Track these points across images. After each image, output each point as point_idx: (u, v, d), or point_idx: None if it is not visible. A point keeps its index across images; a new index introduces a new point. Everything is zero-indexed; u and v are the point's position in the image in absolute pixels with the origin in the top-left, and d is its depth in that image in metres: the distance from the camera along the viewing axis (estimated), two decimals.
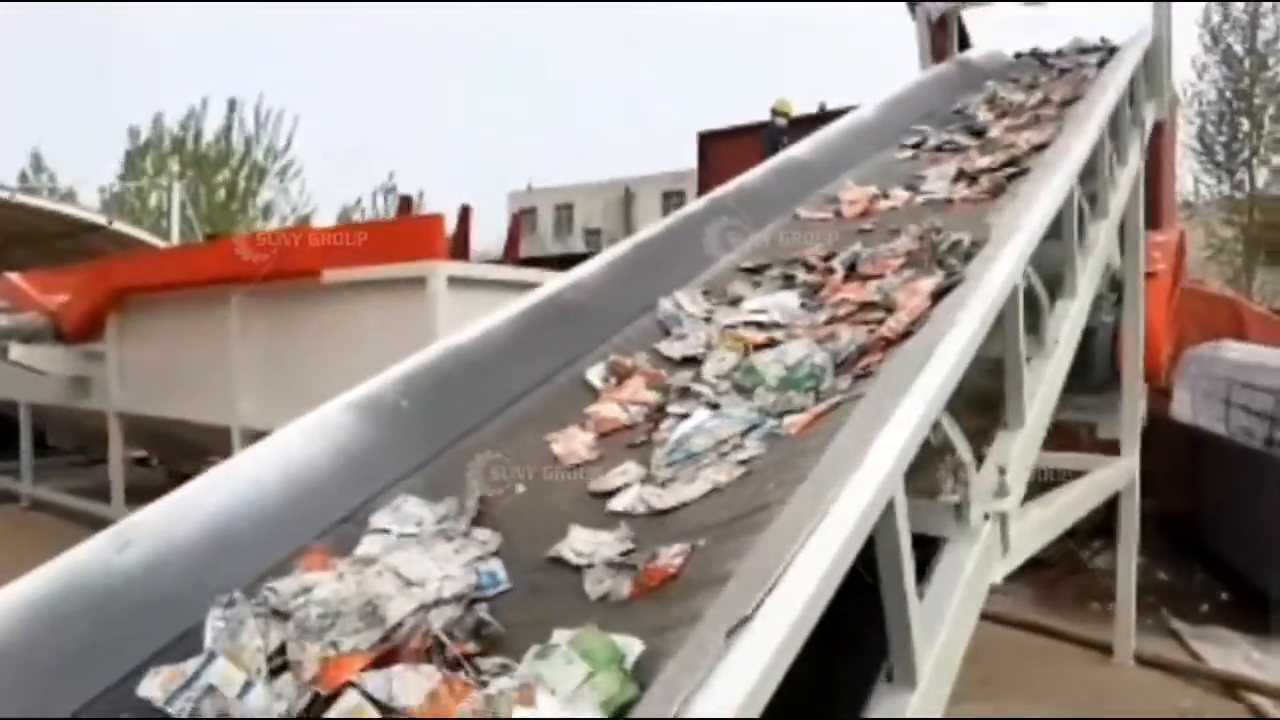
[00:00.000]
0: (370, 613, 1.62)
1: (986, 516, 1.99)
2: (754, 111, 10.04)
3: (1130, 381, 5.25)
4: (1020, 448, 2.26)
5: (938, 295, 2.45)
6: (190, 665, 1.56)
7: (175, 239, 15.06)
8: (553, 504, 2.09)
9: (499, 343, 2.67)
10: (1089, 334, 4.23)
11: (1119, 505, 4.98)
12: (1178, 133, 13.53)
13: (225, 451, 6.57)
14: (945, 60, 6.26)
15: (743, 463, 2.02)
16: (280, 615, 1.66)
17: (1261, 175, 22.56)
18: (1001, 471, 2.06)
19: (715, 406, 2.31)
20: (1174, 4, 5.49)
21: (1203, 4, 21.98)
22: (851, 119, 4.92)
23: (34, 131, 30.42)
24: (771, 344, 2.55)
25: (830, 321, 2.65)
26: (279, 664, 1.57)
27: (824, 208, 3.84)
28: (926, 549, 1.94)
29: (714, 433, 2.16)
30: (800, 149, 4.45)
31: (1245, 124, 22.50)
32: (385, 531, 1.99)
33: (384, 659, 1.50)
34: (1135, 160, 4.69)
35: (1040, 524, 2.67)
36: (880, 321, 2.47)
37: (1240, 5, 22.29)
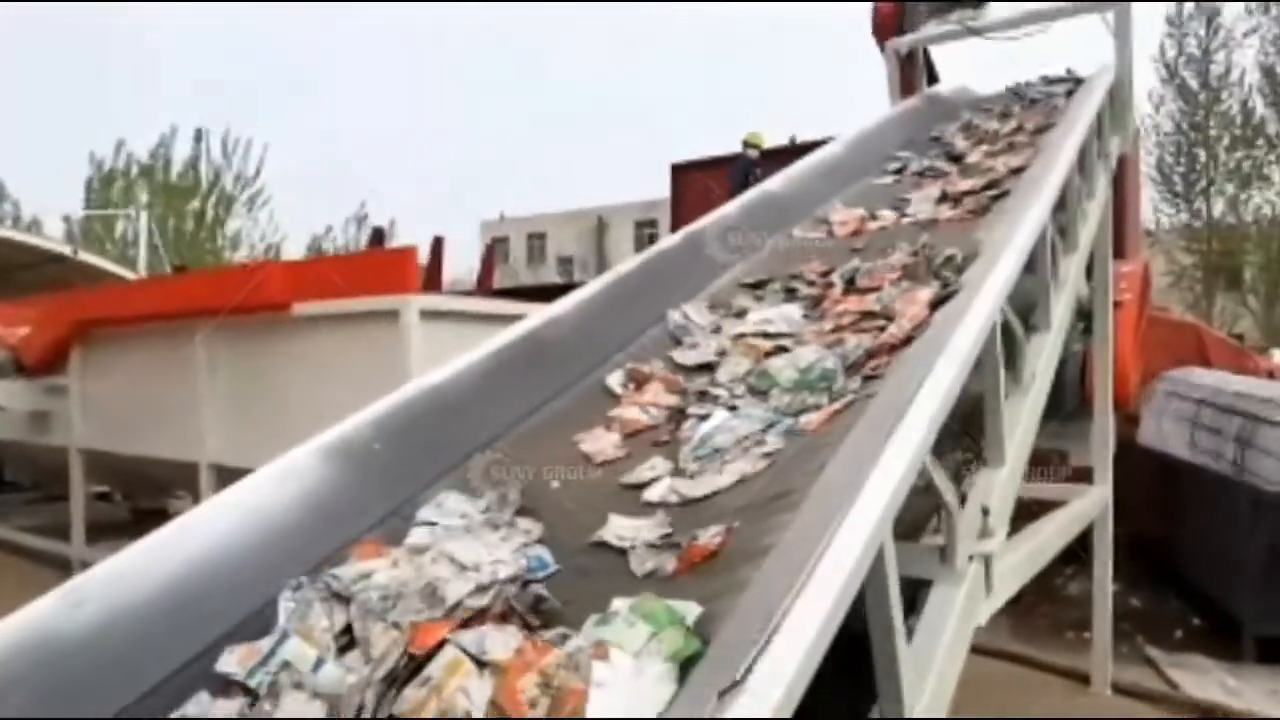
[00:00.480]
0: (430, 594, 1.70)
1: (971, 558, 1.97)
2: (729, 140, 10.15)
3: (1101, 410, 5.31)
4: (1002, 486, 2.25)
5: (936, 304, 2.56)
6: (265, 643, 1.69)
7: (143, 269, 14.85)
8: (588, 497, 2.17)
9: (473, 381, 2.62)
10: (1060, 363, 4.29)
11: (1093, 533, 5.01)
12: (1138, 163, 13.85)
13: (192, 487, 6.44)
14: (914, 95, 6.36)
15: (766, 455, 2.12)
16: (342, 599, 1.75)
17: (1218, 204, 23.18)
18: (985, 512, 2.05)
19: (733, 408, 2.40)
20: (1134, 39, 5.65)
21: (1159, 38, 22.67)
22: (823, 154, 4.96)
23: None
24: (781, 351, 2.65)
25: (835, 330, 2.75)
26: (345, 642, 1.68)
27: (816, 228, 3.96)
28: (909, 589, 1.92)
29: (735, 430, 2.25)
30: (773, 183, 4.47)
31: (1201, 155, 23.14)
32: (432, 524, 2.07)
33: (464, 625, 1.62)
34: (1103, 193, 4.76)
35: (1021, 562, 2.66)
36: (882, 329, 2.56)
37: (1194, 40, 23.02)
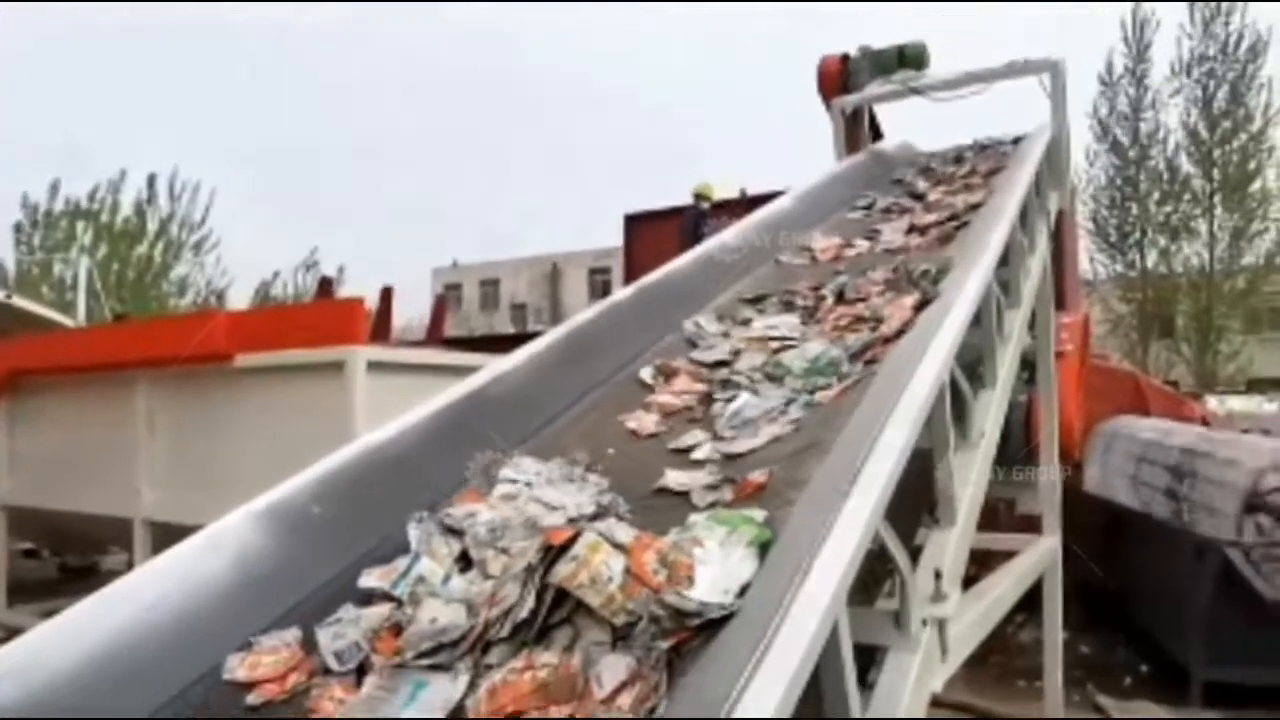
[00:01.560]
0: (530, 525, 2.09)
1: (925, 622, 1.95)
2: (678, 191, 10.27)
3: (1047, 459, 5.38)
4: (954, 546, 2.25)
5: (918, 307, 2.99)
6: (400, 563, 2.07)
7: (82, 316, 14.41)
8: (643, 457, 2.48)
9: (418, 440, 2.56)
10: (1006, 413, 4.36)
11: (1043, 582, 5.04)
12: (1075, 218, 14.35)
13: (125, 544, 6.18)
14: (859, 151, 6.52)
15: (792, 422, 2.50)
16: (454, 532, 2.16)
17: (1151, 255, 24.08)
18: (938, 575, 2.04)
19: (755, 391, 2.75)
20: (1068, 100, 5.88)
21: (1091, 96, 23.70)
22: (772, 209, 5.03)
23: None
24: (789, 348, 3.03)
25: (834, 329, 3.15)
26: (462, 566, 2.06)
27: (801, 255, 4.32)
28: (862, 654, 1.89)
29: (761, 405, 2.63)
30: (725, 237, 4.51)
31: (1134, 208, 24.09)
32: (514, 480, 2.38)
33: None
34: (1043, 247, 4.89)
35: (975, 622, 2.65)
36: (874, 329, 2.97)
37: (1124, 99, 24.13)
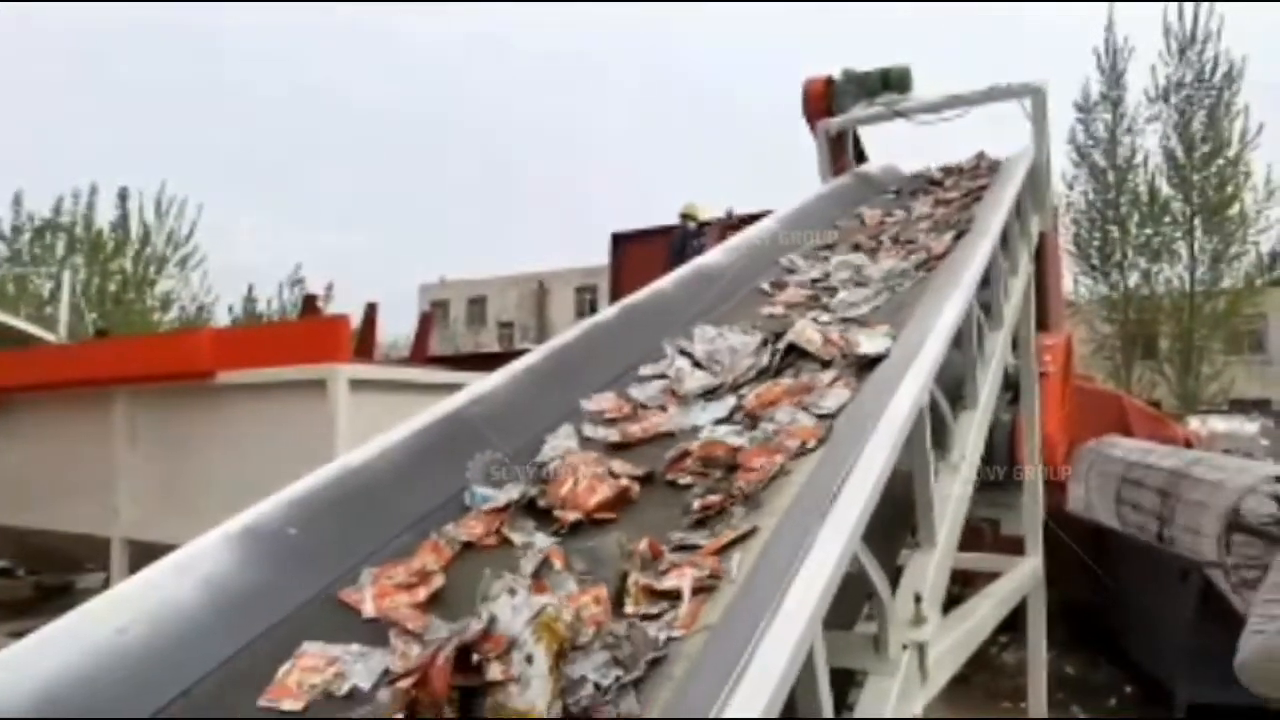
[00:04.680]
0: (733, 351, 3.18)
1: (905, 647, 1.94)
2: (665, 213, 10.32)
3: (1030, 480, 5.40)
4: (934, 570, 2.24)
5: (957, 238, 4.15)
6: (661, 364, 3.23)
7: (63, 331, 14.27)
8: (785, 324, 3.25)
9: (397, 462, 2.53)
10: (988, 433, 4.38)
11: (1027, 604, 5.04)
12: (1059, 240, 14.50)
13: (102, 563, 6.09)
14: (844, 173, 6.56)
15: (890, 291, 3.67)
16: (686, 354, 3.28)
17: (1133, 277, 24.34)
18: (918, 599, 2.03)
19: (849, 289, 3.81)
20: (1049, 124, 5.95)
21: (1068, 122, 24.04)
22: (758, 229, 5.05)
23: None
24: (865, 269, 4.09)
25: (896, 256, 4.22)
26: None
27: (854, 220, 5.24)
28: (840, 679, 1.88)
29: (859, 293, 3.74)
30: (710, 257, 4.52)
31: (1115, 230, 24.36)
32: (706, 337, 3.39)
33: None
34: (1025, 269, 4.93)
35: (956, 645, 2.64)
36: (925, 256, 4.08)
37: (1101, 125, 24.48)
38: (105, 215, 22.58)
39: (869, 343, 2.89)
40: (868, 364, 2.77)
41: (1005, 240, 4.41)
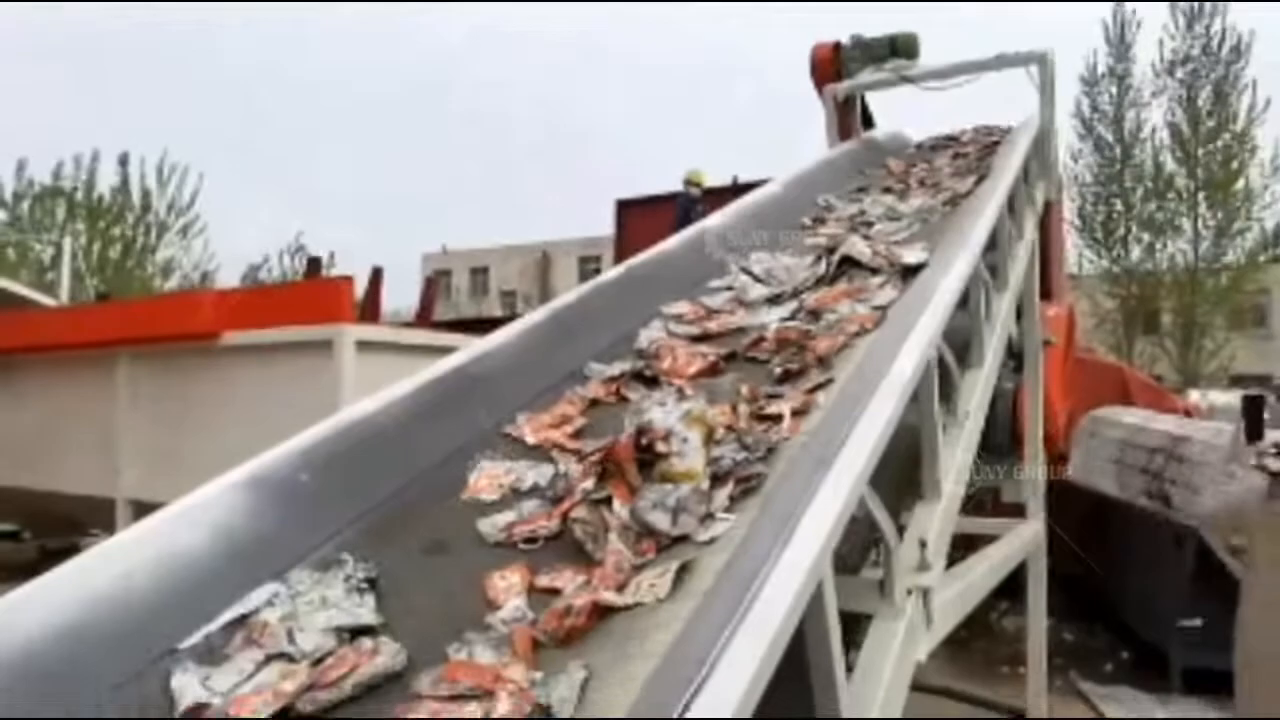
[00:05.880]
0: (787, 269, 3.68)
1: (910, 591, 1.96)
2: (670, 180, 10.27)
3: (1032, 447, 5.42)
4: (939, 520, 2.26)
5: (977, 182, 4.51)
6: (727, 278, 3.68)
7: (65, 296, 14.25)
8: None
9: (403, 414, 2.54)
10: (991, 402, 4.41)
11: (1027, 568, 5.08)
12: (1063, 211, 14.42)
13: (108, 525, 6.13)
14: (851, 138, 6.52)
15: (922, 223, 4.07)
16: (748, 272, 3.71)
17: (1136, 251, 24.25)
18: (923, 545, 2.05)
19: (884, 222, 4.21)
20: (1055, 91, 5.91)
21: (1074, 95, 23.83)
22: (762, 193, 5.03)
23: None
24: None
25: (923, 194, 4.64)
26: None
27: (882, 169, 5.55)
28: (845, 624, 1.90)
29: (894, 225, 4.12)
30: (714, 220, 4.50)
31: (1119, 205, 24.24)
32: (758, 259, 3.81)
33: None
34: (1030, 235, 4.92)
35: (959, 596, 2.66)
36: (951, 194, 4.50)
37: (1106, 98, 24.28)
38: (106, 181, 22.50)
39: (910, 254, 3.43)
40: (910, 271, 3.28)
41: (1011, 206, 4.40)
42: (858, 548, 1.96)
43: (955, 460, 2.59)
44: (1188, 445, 6.11)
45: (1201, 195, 23.46)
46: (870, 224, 4.20)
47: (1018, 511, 5.29)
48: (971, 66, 6.24)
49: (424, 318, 9.06)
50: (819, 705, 1.50)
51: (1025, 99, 5.93)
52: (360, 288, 7.32)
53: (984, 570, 3.31)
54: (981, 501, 5.67)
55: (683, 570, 1.70)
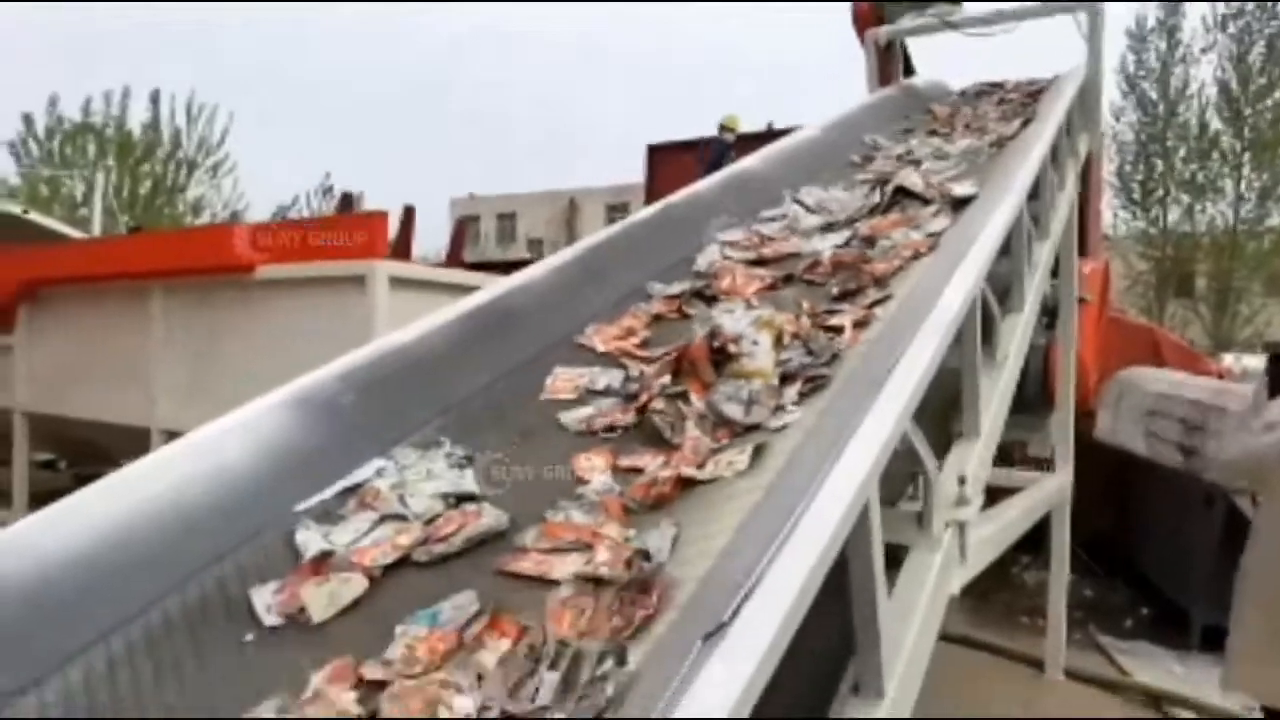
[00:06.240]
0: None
1: (947, 525, 1.97)
2: (698, 127, 10.13)
3: (1063, 400, 5.39)
4: (977, 457, 2.26)
5: (1024, 124, 4.59)
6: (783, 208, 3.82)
7: (97, 231, 14.38)
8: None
9: (441, 343, 2.56)
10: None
11: (1050, 521, 5.09)
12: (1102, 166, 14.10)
13: (142, 455, 6.24)
14: (891, 85, 6.39)
15: (969, 163, 4.14)
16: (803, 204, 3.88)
17: (1174, 213, 23.72)
18: (961, 480, 2.05)
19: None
20: (1104, 41, 5.75)
21: (1119, 48, 23.12)
22: (799, 136, 4.96)
23: None
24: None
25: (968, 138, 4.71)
26: None
27: (927, 114, 5.60)
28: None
29: (942, 164, 4.19)
30: (751, 160, 4.45)
31: (1159, 164, 23.65)
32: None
33: None
34: (1071, 186, 4.83)
35: (991, 536, 2.68)
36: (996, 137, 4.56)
37: (1154, 54, 23.52)
38: (137, 118, 22.53)
39: (961, 187, 3.60)
40: (961, 203, 3.43)
41: (1054, 154, 4.32)
42: (897, 480, 1.96)
43: (994, 401, 2.58)
44: (1220, 407, 6.04)
45: (1247, 156, 22.80)
46: (918, 163, 4.24)
47: (1042, 466, 5.28)
48: (1019, 12, 6.07)
49: (454, 258, 9.06)
50: (858, 631, 1.52)
51: (1060, 59, 5.85)
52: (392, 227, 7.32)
53: (1012, 517, 3.32)
54: (1007, 453, 5.65)
55: (758, 451, 1.86)
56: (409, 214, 7.76)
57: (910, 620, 1.72)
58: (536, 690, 1.32)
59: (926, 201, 3.49)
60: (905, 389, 1.65)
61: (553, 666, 1.34)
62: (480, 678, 1.38)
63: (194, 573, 1.77)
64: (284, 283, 5.05)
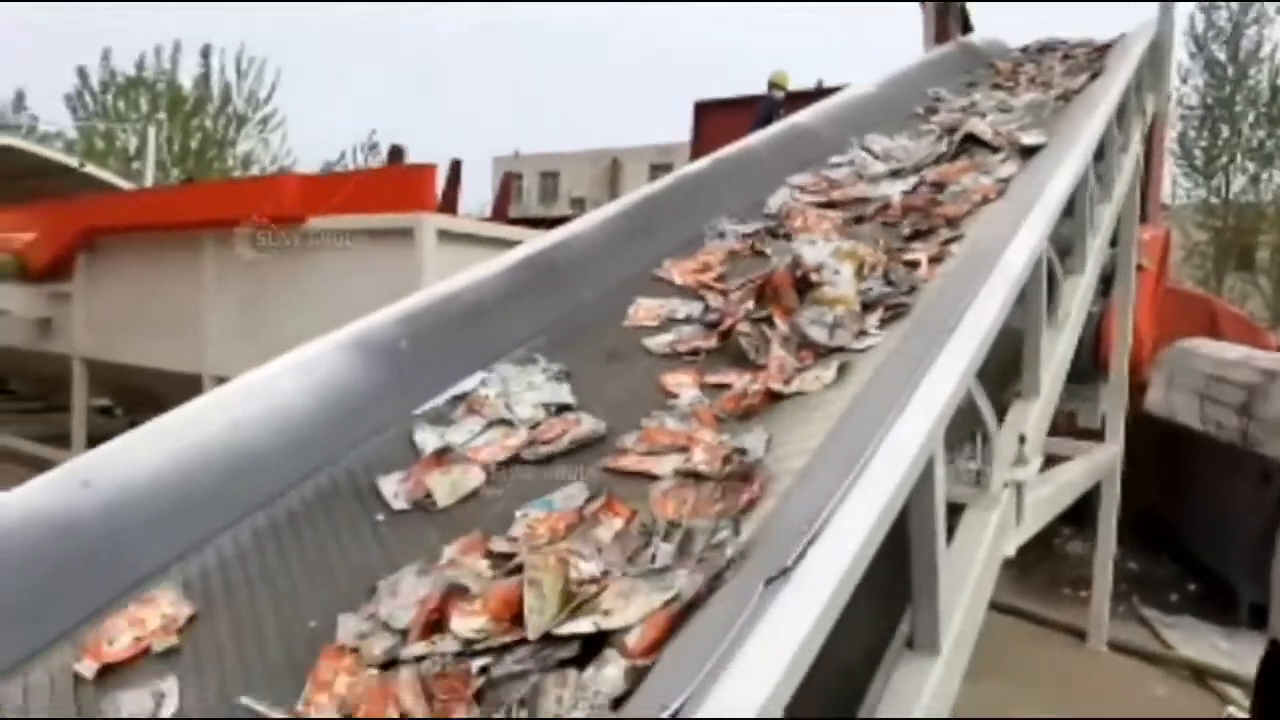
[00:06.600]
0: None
1: (1005, 484, 1.94)
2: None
3: (1117, 370, 5.26)
4: (1037, 416, 2.22)
5: (1091, 78, 4.60)
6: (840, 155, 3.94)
7: (149, 183, 14.61)
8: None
9: (494, 292, 2.56)
10: None
11: (1100, 491, 5.00)
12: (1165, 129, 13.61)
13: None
14: (948, 43, 6.22)
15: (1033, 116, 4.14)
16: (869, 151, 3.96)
17: (1238, 181, 22.84)
18: (1021, 439, 2.02)
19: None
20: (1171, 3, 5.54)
21: (1188, 8, 22.15)
22: (853, 92, 4.85)
23: (22, 71, 29.07)
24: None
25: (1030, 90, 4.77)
26: None
27: (989, 69, 5.60)
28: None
29: (1007, 114, 4.22)
30: (803, 116, 4.36)
31: (1225, 130, 22.73)
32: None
33: None
34: (1135, 147, 4.67)
35: (1046, 498, 2.64)
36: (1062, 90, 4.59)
37: (1224, 14, 22.49)
38: (188, 73, 22.73)
39: (1029, 136, 3.62)
40: (1029, 151, 3.45)
41: (1121, 112, 4.17)
42: (955, 438, 1.92)
43: (1054, 361, 2.52)
44: None
45: None
46: (983, 115, 4.21)
47: (1090, 437, 5.17)
48: None
49: (500, 212, 9.07)
50: (916, 586, 1.50)
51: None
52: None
53: (1067, 479, 3.29)
54: (1056, 427, 5.55)
55: (843, 369, 1.98)
56: (456, 168, 7.77)
57: (966, 579, 1.70)
58: (653, 557, 1.44)
59: (994, 149, 3.54)
60: (971, 344, 1.61)
61: (666, 539, 1.47)
62: (599, 551, 1.50)
63: (320, 466, 1.92)
64: (334, 234, 5.10)
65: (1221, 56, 22.64)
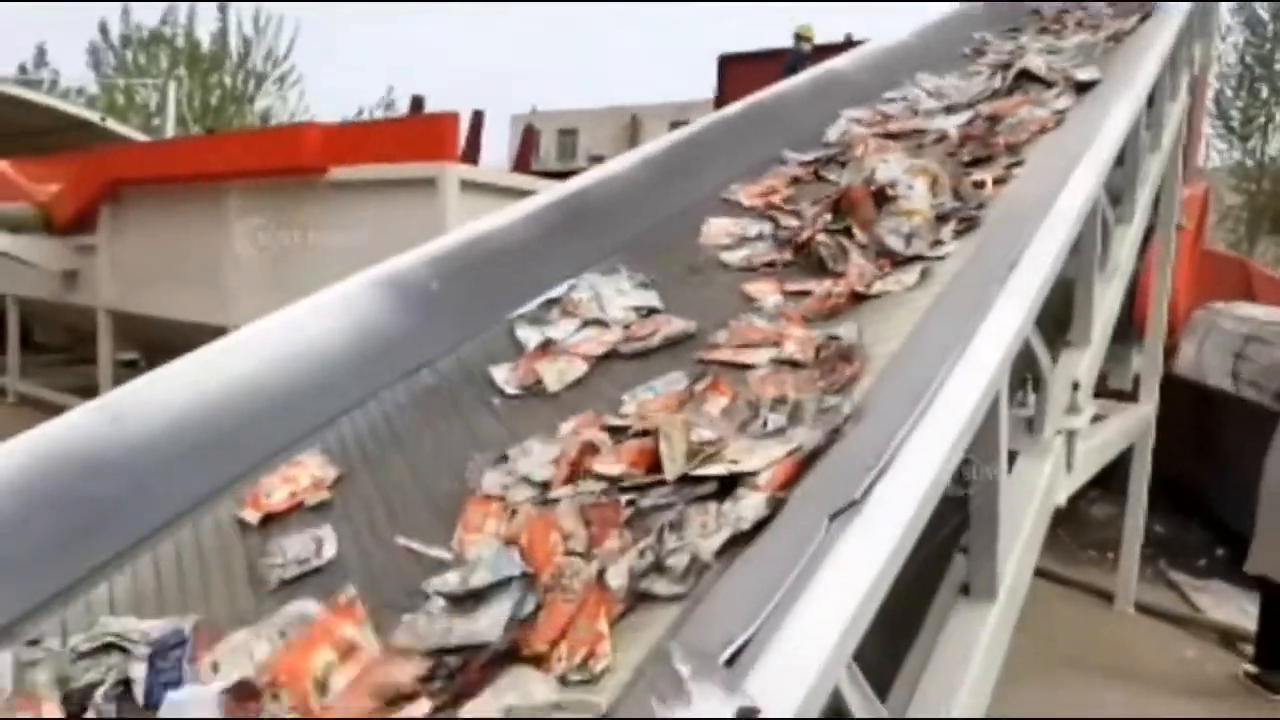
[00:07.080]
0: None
1: (1058, 433, 1.88)
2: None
3: (1153, 330, 5.15)
4: (1088, 364, 2.15)
5: (1142, 19, 4.53)
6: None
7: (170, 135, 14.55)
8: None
9: (526, 234, 2.51)
10: None
11: (1131, 452, 4.91)
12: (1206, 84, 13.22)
13: None
14: None
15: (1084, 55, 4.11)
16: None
17: (1275, 143, 22.26)
18: (1075, 387, 1.95)
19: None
20: None
21: None
22: (891, 40, 4.72)
23: (44, 27, 28.97)
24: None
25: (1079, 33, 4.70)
26: None
27: (1033, 15, 5.51)
28: None
29: (1058, 55, 4.14)
30: (840, 62, 4.24)
31: (1264, 90, 22.11)
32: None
33: None
34: (1183, 96, 4.52)
35: (1094, 449, 2.58)
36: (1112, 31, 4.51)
37: None
38: (206, 29, 22.57)
39: (1083, 72, 3.62)
40: (1083, 87, 3.47)
41: (1171, 60, 4.02)
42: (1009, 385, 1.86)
43: (1105, 309, 2.44)
44: None
45: None
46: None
47: (1121, 398, 5.07)
48: None
49: (522, 164, 8.97)
50: (974, 532, 1.45)
51: None
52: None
53: (1108, 435, 3.23)
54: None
55: (924, 273, 2.06)
56: (478, 119, 7.67)
57: (1020, 527, 1.65)
58: (764, 424, 1.50)
59: (1049, 84, 3.54)
60: (1030, 288, 1.54)
61: (773, 412, 1.52)
62: (711, 423, 1.55)
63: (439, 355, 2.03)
64: (356, 184, 5.05)
65: (1264, 14, 21.94)
